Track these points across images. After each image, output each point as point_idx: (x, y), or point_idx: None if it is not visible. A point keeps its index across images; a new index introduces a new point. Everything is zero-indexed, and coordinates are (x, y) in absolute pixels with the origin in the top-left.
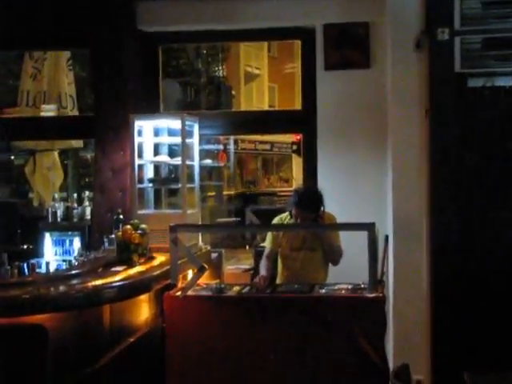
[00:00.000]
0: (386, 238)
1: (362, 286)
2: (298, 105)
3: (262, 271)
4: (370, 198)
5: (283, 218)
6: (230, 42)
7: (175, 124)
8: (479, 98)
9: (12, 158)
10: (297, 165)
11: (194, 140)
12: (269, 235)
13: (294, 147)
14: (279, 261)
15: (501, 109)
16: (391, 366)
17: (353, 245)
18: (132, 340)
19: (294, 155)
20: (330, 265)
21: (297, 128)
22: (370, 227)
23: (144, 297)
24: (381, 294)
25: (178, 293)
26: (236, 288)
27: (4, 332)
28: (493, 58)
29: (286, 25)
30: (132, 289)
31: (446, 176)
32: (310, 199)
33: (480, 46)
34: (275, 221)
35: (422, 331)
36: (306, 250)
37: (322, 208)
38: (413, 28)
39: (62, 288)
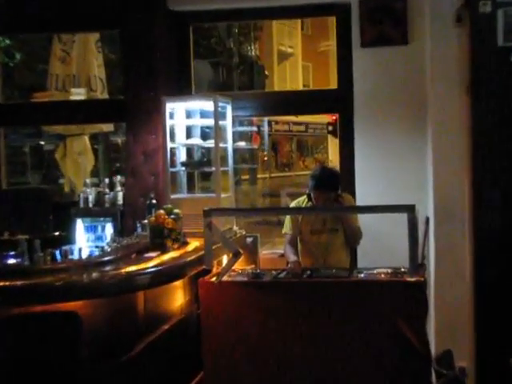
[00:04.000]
0: (427, 220)
1: (402, 269)
2: (333, 84)
3: (291, 257)
4: (409, 180)
5: (301, 201)
6: (262, 19)
7: (208, 106)
8: None
9: (42, 143)
10: (333, 146)
11: (227, 122)
12: (288, 221)
13: (330, 128)
14: (300, 246)
15: None
16: (433, 352)
17: (392, 228)
18: (167, 327)
19: (329, 136)
20: (368, 248)
21: (332, 108)
22: (409, 209)
23: (178, 283)
24: (422, 278)
25: (213, 278)
26: (272, 273)
27: (38, 319)
28: None
29: (320, 1)
30: (166, 275)
31: (489, 155)
32: (327, 179)
33: None
34: (293, 205)
35: (465, 316)
36: (328, 233)
37: (339, 188)
38: (453, 1)
39: (94, 275)
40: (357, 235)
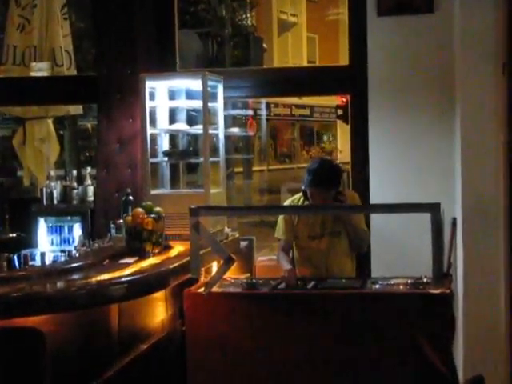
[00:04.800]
0: (454, 221)
1: (425, 280)
2: (344, 60)
3: (286, 265)
4: (434, 174)
5: (296, 200)
6: None
7: (195, 85)
8: None
9: None
10: (343, 134)
11: (218, 104)
12: (281, 225)
13: (340, 112)
14: (296, 253)
15: None
16: (461, 377)
17: (413, 230)
18: (145, 347)
19: (339, 122)
20: (384, 254)
21: (343, 88)
22: (433, 208)
23: (159, 294)
24: (448, 290)
25: (201, 289)
26: (271, 283)
27: None
28: None
29: None
30: (145, 285)
31: None
32: (327, 174)
33: None
34: (287, 204)
35: (500, 335)
36: (328, 236)
37: (341, 184)
38: None
39: (60, 284)
40: (363, 239)
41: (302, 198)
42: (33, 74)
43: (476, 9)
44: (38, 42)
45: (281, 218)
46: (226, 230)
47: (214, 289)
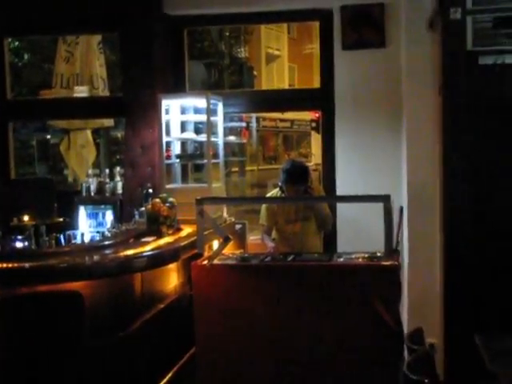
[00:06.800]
0: (401, 209)
1: (379, 254)
2: (316, 83)
3: (269, 243)
4: (385, 172)
5: (274, 193)
6: (251, 24)
7: (201, 103)
8: (490, 74)
9: (48, 137)
10: (316, 141)
11: (219, 118)
12: (264, 213)
13: (313, 124)
14: (276, 235)
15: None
16: (406, 330)
17: (370, 216)
18: (162, 306)
19: (313, 132)
20: (348, 234)
21: (315, 106)
22: (385, 199)
23: (172, 266)
24: (396, 262)
25: (205, 262)
26: (259, 257)
27: (43, 298)
28: (504, 36)
29: (304, 7)
30: (161, 258)
31: (458, 148)
32: (298, 172)
33: (491, 25)
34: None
35: (435, 297)
36: (301, 221)
37: (309, 180)
38: (426, 8)
39: (96, 257)
40: (327, 221)
41: (279, 192)
42: (75, 95)
43: (417, 45)
44: (80, 70)
45: (263, 207)
46: (225, 215)
47: (215, 261)
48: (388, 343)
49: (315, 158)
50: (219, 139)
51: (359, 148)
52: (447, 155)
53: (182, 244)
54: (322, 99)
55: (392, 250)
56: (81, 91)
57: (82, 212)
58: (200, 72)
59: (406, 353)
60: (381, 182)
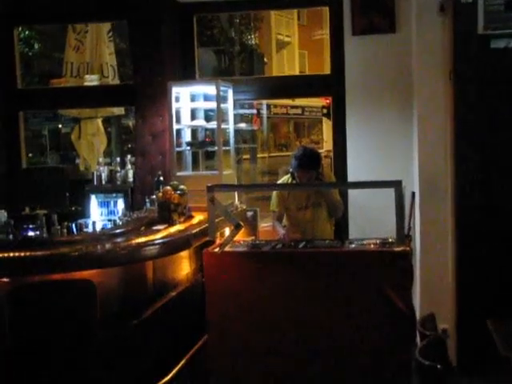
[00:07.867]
0: (413, 194)
1: (390, 240)
2: (326, 69)
3: (281, 230)
4: (397, 158)
5: (285, 180)
6: (261, 10)
7: (210, 90)
8: (502, 58)
9: (59, 126)
10: (327, 128)
11: (229, 105)
12: (275, 200)
13: (325, 111)
14: (287, 221)
15: None
16: (418, 315)
17: (381, 201)
18: (174, 294)
19: (324, 119)
20: (359, 220)
21: (326, 92)
22: (396, 185)
23: (184, 253)
24: (408, 248)
25: (216, 249)
26: (271, 244)
27: (56, 286)
28: None
29: None
30: (173, 246)
31: (470, 134)
32: (309, 159)
33: (503, 8)
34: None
35: (447, 283)
36: (312, 207)
37: (320, 166)
38: None
39: (107, 246)
40: (338, 207)
41: (290, 178)
42: (86, 83)
43: (428, 29)
44: (90, 59)
45: (274, 194)
46: (236, 202)
47: (227, 248)
48: (401, 329)
49: (327, 145)
50: (230, 126)
51: (370, 134)
52: (458, 141)
53: (194, 231)
54: (332, 85)
55: (404, 236)
56: (91, 80)
57: (94, 201)
58: (210, 59)
59: (418, 338)
60: (392, 168)
